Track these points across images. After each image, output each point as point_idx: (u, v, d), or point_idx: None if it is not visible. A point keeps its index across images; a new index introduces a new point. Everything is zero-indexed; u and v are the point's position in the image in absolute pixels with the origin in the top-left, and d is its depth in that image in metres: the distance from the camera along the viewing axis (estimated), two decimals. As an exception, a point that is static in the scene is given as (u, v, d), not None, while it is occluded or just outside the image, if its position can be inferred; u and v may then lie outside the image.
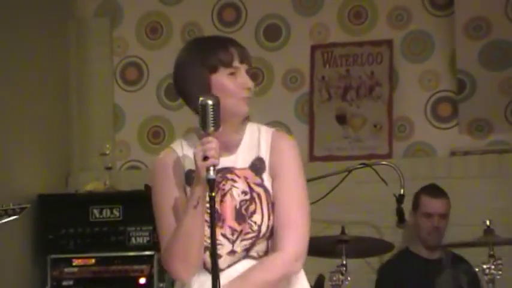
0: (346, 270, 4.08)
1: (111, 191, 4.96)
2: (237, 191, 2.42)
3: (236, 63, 2.43)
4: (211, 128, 2.33)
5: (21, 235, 4.79)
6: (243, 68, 2.44)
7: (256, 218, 2.41)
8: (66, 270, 4.79)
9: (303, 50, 5.28)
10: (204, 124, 2.33)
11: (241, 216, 2.41)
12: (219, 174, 2.39)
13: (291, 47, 5.30)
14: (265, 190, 2.43)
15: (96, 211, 4.84)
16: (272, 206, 2.43)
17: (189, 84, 2.44)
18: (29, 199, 4.79)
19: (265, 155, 2.46)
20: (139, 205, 4.68)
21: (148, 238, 4.75)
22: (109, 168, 5.04)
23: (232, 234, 2.40)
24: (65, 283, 4.78)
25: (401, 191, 4.31)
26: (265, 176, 2.44)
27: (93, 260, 4.79)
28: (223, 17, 5.43)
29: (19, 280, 4.81)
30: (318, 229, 4.38)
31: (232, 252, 2.41)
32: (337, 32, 5.28)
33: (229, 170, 2.44)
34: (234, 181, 2.43)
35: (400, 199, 4.32)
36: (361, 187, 4.74)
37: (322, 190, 4.26)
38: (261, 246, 2.44)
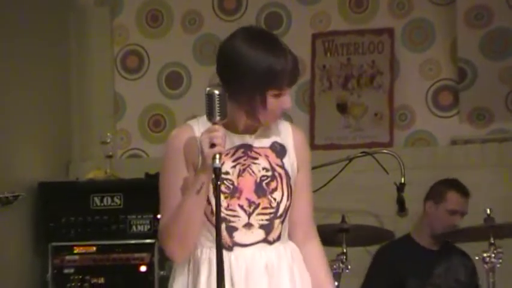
0: (346, 258, 4.09)
1: (112, 179, 4.96)
2: (257, 167, 2.45)
3: (285, 87, 2.41)
4: (218, 118, 2.34)
5: (22, 223, 4.80)
6: (287, 90, 2.43)
7: (277, 195, 2.45)
8: (67, 258, 4.80)
9: (303, 38, 5.27)
10: (210, 114, 2.35)
11: (261, 190, 2.45)
12: (241, 150, 2.44)
13: (292, 36, 5.28)
14: (286, 173, 2.48)
15: (97, 199, 4.84)
16: (290, 189, 2.48)
17: (240, 82, 2.37)
18: (30, 187, 4.80)
19: (287, 144, 2.51)
20: (140, 193, 4.69)
21: (148, 226, 4.75)
22: (110, 157, 5.04)
23: (250, 206, 2.43)
24: (66, 271, 4.78)
25: (402, 180, 4.30)
26: (285, 162, 2.49)
27: (94, 248, 4.80)
28: (224, 5, 5.42)
29: (20, 268, 4.82)
30: (318, 217, 4.31)
31: (248, 225, 2.43)
32: (338, 20, 5.27)
33: (249, 147, 2.47)
34: (255, 158, 2.46)
35: (400, 188, 4.32)
36: (361, 176, 4.74)
37: (323, 178, 4.26)
38: (276, 232, 2.47)
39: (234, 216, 2.41)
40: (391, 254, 4.52)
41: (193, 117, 2.54)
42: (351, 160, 4.37)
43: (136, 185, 4.80)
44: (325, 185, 4.25)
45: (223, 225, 2.40)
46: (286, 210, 2.47)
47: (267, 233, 2.45)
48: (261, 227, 2.44)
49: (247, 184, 2.43)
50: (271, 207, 2.44)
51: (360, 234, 4.28)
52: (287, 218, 2.49)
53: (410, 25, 5.20)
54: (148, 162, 5.04)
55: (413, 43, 5.19)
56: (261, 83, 2.35)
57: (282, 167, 2.47)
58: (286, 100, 2.42)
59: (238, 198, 2.42)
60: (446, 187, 4.47)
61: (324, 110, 5.21)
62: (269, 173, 2.45)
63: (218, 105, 2.33)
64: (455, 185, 4.47)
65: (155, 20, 5.51)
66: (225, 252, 2.37)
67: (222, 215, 2.39)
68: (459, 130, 5.06)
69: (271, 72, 2.35)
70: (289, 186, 2.47)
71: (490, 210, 4.10)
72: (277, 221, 2.46)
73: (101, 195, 4.83)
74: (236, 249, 2.42)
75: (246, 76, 2.35)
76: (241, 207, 2.42)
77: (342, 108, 5.20)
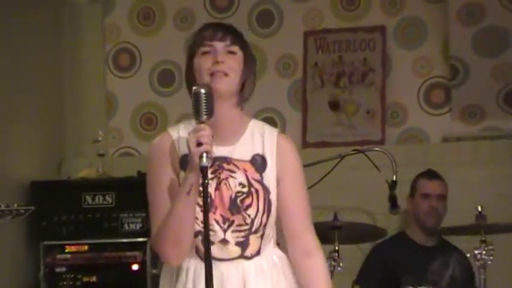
0: (338, 256, 4.09)
1: (104, 178, 4.96)
2: (234, 182, 2.43)
3: (207, 41, 2.45)
4: (204, 117, 2.34)
5: (14, 222, 4.77)
6: (216, 44, 2.45)
7: (251, 211, 2.42)
8: (59, 256, 4.80)
9: (295, 36, 5.27)
10: (197, 113, 2.35)
11: (235, 207, 2.42)
12: (217, 163, 2.42)
13: (284, 33, 5.29)
14: (264, 188, 2.45)
15: (88, 198, 4.84)
16: (269, 203, 2.45)
17: (185, 74, 2.54)
18: (22, 186, 4.79)
19: (269, 155, 2.47)
20: (132, 192, 4.68)
21: (141, 225, 4.75)
22: (102, 155, 5.04)
23: (224, 223, 2.41)
24: (57, 269, 4.78)
25: (394, 177, 4.31)
26: (266, 175, 2.45)
27: (86, 247, 4.80)
28: (216, 3, 5.41)
29: (12, 266, 4.81)
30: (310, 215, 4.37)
31: (224, 241, 2.41)
32: (330, 18, 5.27)
33: (226, 159, 2.44)
34: (232, 171, 2.44)
35: (392, 185, 4.32)
36: (353, 173, 4.74)
37: (315, 176, 4.25)
38: (253, 247, 2.44)
39: (210, 230, 2.35)
40: (386, 251, 4.54)
41: (184, 116, 2.55)
42: (343, 158, 4.37)
43: (128, 183, 4.80)
44: (317, 182, 4.24)
45: (198, 238, 2.39)
46: (264, 225, 2.43)
47: (243, 249, 2.43)
48: (237, 244, 2.42)
49: (222, 199, 2.41)
50: (246, 224, 2.41)
51: (352, 232, 4.29)
52: (267, 232, 2.46)
53: (403, 23, 5.20)
54: (141, 161, 5.02)
55: (405, 40, 5.19)
56: None
57: (260, 181, 2.44)
58: None
59: (214, 213, 2.40)
60: (416, 178, 4.63)
61: (316, 108, 5.21)
62: (245, 189, 2.42)
63: (205, 103, 2.33)
64: (423, 173, 4.62)
65: (147, 17, 5.50)
66: (200, 263, 2.38)
67: (198, 228, 2.38)
68: (451, 127, 5.06)
69: None
70: (267, 201, 2.43)
71: (481, 208, 4.12)
72: (253, 237, 2.43)
73: (93, 193, 4.83)
74: (212, 262, 2.35)
75: None
76: (217, 222, 2.40)
77: (334, 105, 5.20)
